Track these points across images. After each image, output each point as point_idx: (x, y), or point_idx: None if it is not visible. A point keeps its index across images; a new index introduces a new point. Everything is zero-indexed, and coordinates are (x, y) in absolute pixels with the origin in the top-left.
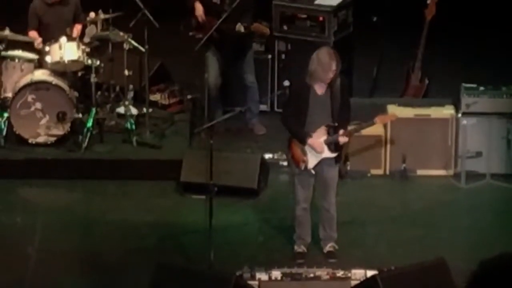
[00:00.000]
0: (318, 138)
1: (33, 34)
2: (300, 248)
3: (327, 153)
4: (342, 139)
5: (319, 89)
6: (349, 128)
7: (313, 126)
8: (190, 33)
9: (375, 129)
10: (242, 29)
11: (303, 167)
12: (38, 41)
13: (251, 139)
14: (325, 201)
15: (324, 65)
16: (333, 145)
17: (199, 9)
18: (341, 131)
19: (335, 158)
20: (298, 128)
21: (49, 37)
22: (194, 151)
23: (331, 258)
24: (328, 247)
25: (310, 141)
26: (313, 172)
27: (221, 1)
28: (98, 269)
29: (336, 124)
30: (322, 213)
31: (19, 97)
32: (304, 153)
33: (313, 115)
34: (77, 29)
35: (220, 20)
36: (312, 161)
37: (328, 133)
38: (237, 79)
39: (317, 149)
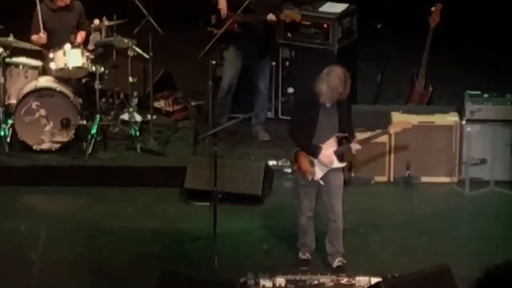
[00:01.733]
0: (329, 149)
1: (34, 37)
2: (304, 255)
3: (336, 163)
4: (355, 147)
5: (328, 102)
6: (363, 136)
7: (320, 138)
8: (209, 29)
9: None
10: (274, 18)
11: (310, 179)
12: (42, 39)
13: (255, 146)
14: (332, 212)
15: (333, 89)
16: (342, 155)
17: (222, 2)
18: (354, 139)
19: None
20: (308, 142)
21: (53, 44)
22: (198, 158)
23: (341, 272)
24: (337, 262)
25: (321, 155)
26: (322, 182)
27: None
28: (102, 276)
29: (346, 134)
30: (329, 225)
31: (24, 104)
32: (312, 165)
33: (321, 127)
34: (81, 35)
35: (239, 10)
36: (319, 172)
37: (339, 144)
38: (250, 83)
39: (326, 164)
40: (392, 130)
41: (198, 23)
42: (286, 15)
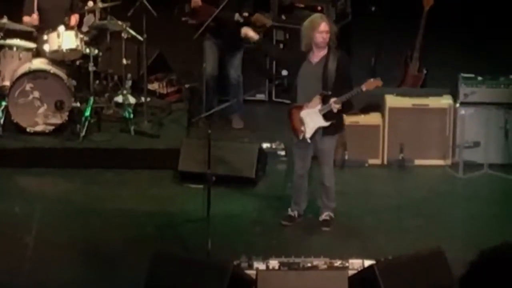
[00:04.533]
0: (313, 107)
1: (26, 19)
2: (292, 212)
3: (322, 122)
4: (335, 106)
5: (314, 57)
6: (340, 97)
7: (304, 94)
8: (183, 19)
9: (373, 119)
10: (241, 19)
11: (301, 137)
12: (34, 20)
13: (248, 129)
14: (320, 172)
15: (315, 26)
16: (327, 114)
17: None
18: (332, 99)
19: (332, 129)
20: (292, 95)
21: (46, 25)
22: (192, 140)
23: (325, 226)
24: (324, 216)
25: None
26: (309, 141)
27: None
28: (95, 257)
29: (330, 93)
30: (318, 183)
31: (17, 86)
32: (302, 123)
33: (304, 83)
34: (75, 18)
35: (219, 9)
36: (309, 130)
37: (323, 102)
38: (223, 72)
39: (311, 105)
40: (365, 87)
41: (173, 12)
42: (256, 18)
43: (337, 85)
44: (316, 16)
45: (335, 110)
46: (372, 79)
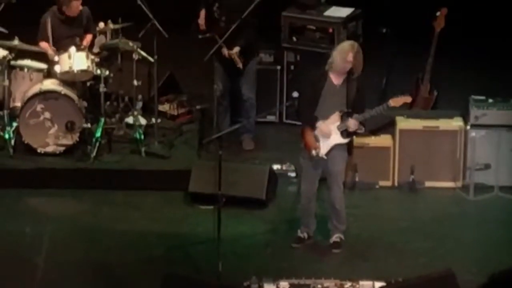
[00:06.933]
0: (331, 124)
1: (44, 45)
2: (302, 234)
3: (339, 139)
4: (353, 123)
5: (336, 79)
6: (362, 114)
7: (324, 114)
8: (200, 36)
9: (384, 141)
10: (226, 54)
11: (315, 154)
12: (50, 51)
13: (259, 150)
14: (330, 195)
15: (342, 54)
16: (345, 132)
17: (202, 17)
18: (354, 115)
19: (350, 148)
20: (307, 112)
21: (59, 49)
22: (202, 162)
23: (336, 248)
24: (334, 238)
25: (319, 124)
26: (325, 157)
27: (219, 16)
28: (106, 279)
29: (350, 111)
30: (328, 206)
31: (28, 107)
32: (317, 140)
33: (326, 104)
34: (87, 40)
35: (223, 39)
36: (324, 147)
37: (341, 119)
38: (236, 92)
39: (324, 131)
40: (393, 103)
41: (190, 28)
42: (230, 54)
43: (355, 105)
44: (347, 45)
45: (351, 128)
46: (400, 95)
